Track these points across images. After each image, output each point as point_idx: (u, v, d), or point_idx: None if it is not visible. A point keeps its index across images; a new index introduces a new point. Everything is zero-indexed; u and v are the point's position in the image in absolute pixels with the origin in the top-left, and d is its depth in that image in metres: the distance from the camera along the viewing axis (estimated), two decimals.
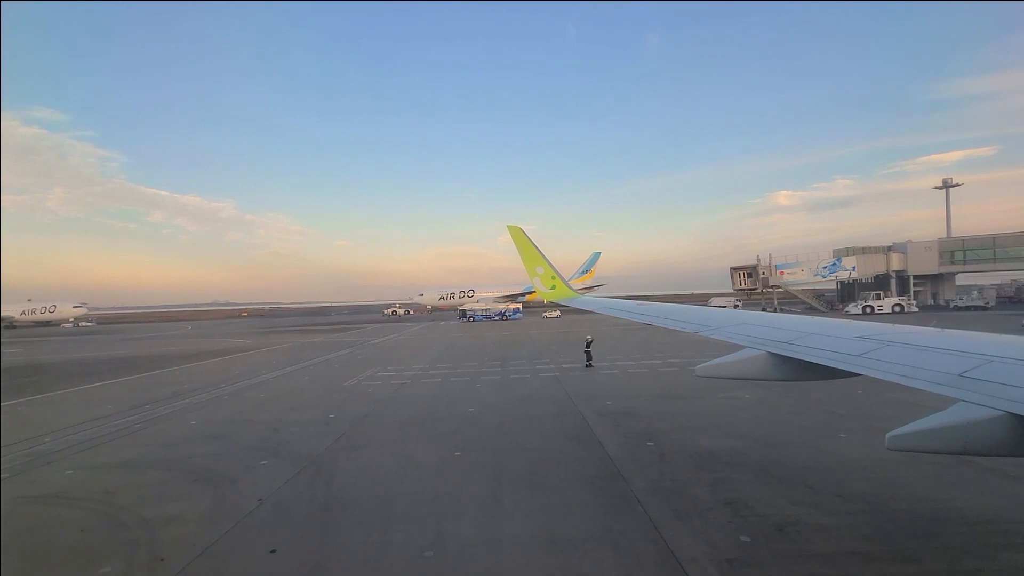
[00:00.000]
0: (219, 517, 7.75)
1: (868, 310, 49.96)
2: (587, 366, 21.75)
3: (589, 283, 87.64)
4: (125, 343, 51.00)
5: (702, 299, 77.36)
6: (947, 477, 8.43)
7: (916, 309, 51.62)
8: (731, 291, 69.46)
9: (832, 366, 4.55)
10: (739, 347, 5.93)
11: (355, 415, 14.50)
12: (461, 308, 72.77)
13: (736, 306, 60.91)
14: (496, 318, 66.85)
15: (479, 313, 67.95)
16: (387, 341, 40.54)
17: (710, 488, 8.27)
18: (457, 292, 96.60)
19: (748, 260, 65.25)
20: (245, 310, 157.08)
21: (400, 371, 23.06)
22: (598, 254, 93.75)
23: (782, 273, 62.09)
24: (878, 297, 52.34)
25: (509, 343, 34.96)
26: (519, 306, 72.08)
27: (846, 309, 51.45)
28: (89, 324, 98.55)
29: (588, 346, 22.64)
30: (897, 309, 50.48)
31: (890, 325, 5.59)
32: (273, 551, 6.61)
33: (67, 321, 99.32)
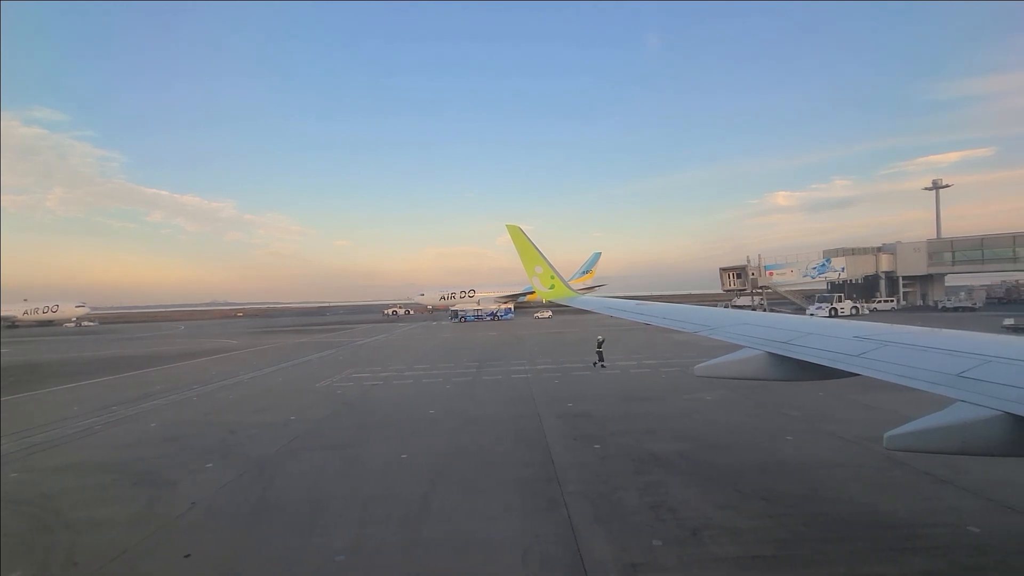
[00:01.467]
0: (148, 520, 7.79)
1: (833, 312, 50.69)
2: (601, 367, 21.48)
3: (590, 283, 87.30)
4: (118, 343, 51.03)
5: (702, 299, 77.18)
6: (878, 480, 8.48)
7: (868, 312, 52.92)
8: (744, 292, 68.24)
9: (830, 366, 4.53)
10: (738, 347, 5.92)
11: (316, 417, 14.54)
12: (453, 308, 72.88)
13: (763, 307, 60.66)
14: (488, 318, 66.91)
15: (471, 313, 68.05)
16: (374, 342, 40.59)
17: (640, 491, 8.31)
18: (457, 292, 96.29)
19: (745, 261, 65.09)
20: (241, 310, 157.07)
21: (376, 372, 23.10)
22: (598, 254, 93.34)
23: (771, 274, 62.16)
24: (839, 300, 54.58)
25: (494, 344, 34.99)
26: (511, 306, 72.14)
27: (809, 312, 50.74)
28: (92, 324, 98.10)
29: (600, 346, 22.51)
30: (853, 311, 51.76)
31: (888, 325, 5.52)
32: (187, 555, 6.65)
33: (69, 321, 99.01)
